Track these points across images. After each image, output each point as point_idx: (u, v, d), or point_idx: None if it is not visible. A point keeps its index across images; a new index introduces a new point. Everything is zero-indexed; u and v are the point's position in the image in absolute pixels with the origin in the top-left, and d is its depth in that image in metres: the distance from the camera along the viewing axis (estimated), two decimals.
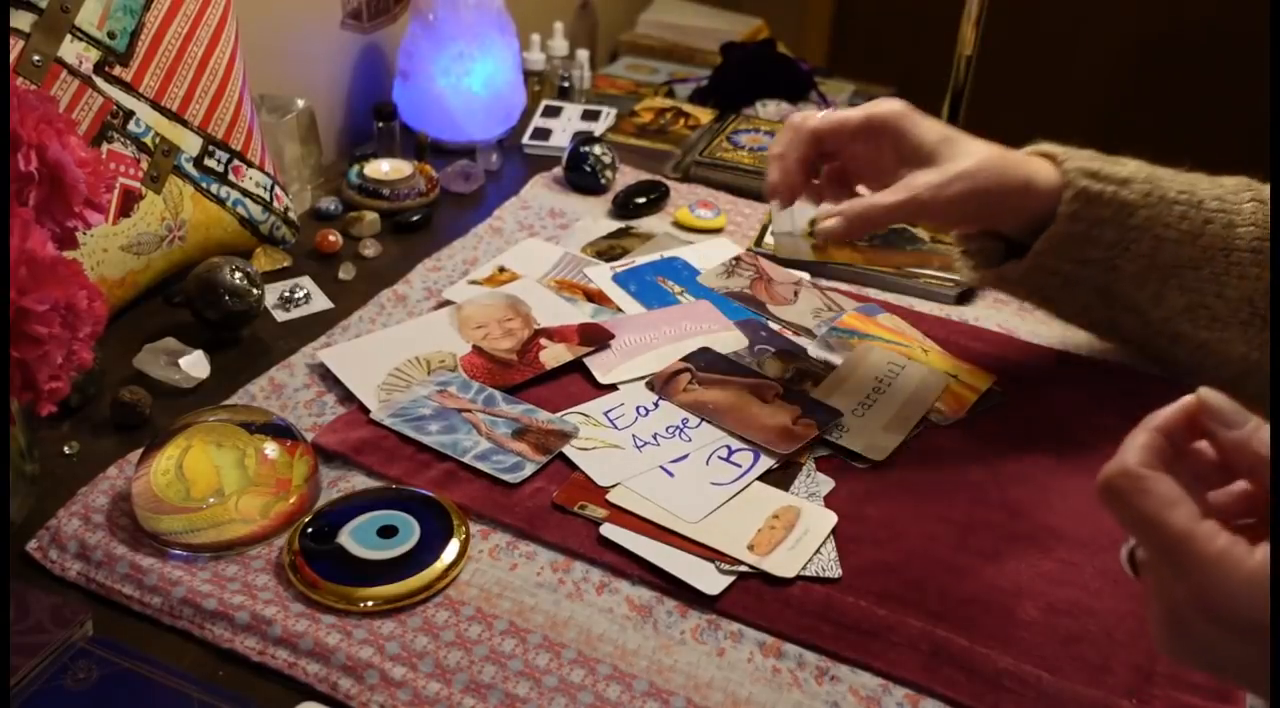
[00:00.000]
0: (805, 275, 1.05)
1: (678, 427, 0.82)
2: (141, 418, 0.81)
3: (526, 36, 1.45)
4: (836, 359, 0.92)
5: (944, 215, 0.83)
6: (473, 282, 1.01)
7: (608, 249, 1.09)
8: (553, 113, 1.39)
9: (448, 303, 0.97)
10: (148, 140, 0.91)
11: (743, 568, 0.70)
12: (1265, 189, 0.82)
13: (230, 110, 0.97)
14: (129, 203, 0.90)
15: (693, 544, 0.72)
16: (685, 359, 0.90)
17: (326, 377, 0.87)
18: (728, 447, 0.80)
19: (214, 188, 0.97)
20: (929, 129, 0.81)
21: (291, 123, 1.12)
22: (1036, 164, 0.82)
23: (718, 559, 0.71)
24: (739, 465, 0.79)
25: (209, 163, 0.96)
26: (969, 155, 0.79)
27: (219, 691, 0.61)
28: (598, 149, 1.20)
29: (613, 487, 0.76)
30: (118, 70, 0.88)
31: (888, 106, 0.82)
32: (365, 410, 0.83)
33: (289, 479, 0.73)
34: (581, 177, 1.20)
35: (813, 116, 0.83)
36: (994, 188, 0.79)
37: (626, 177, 1.24)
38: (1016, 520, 0.76)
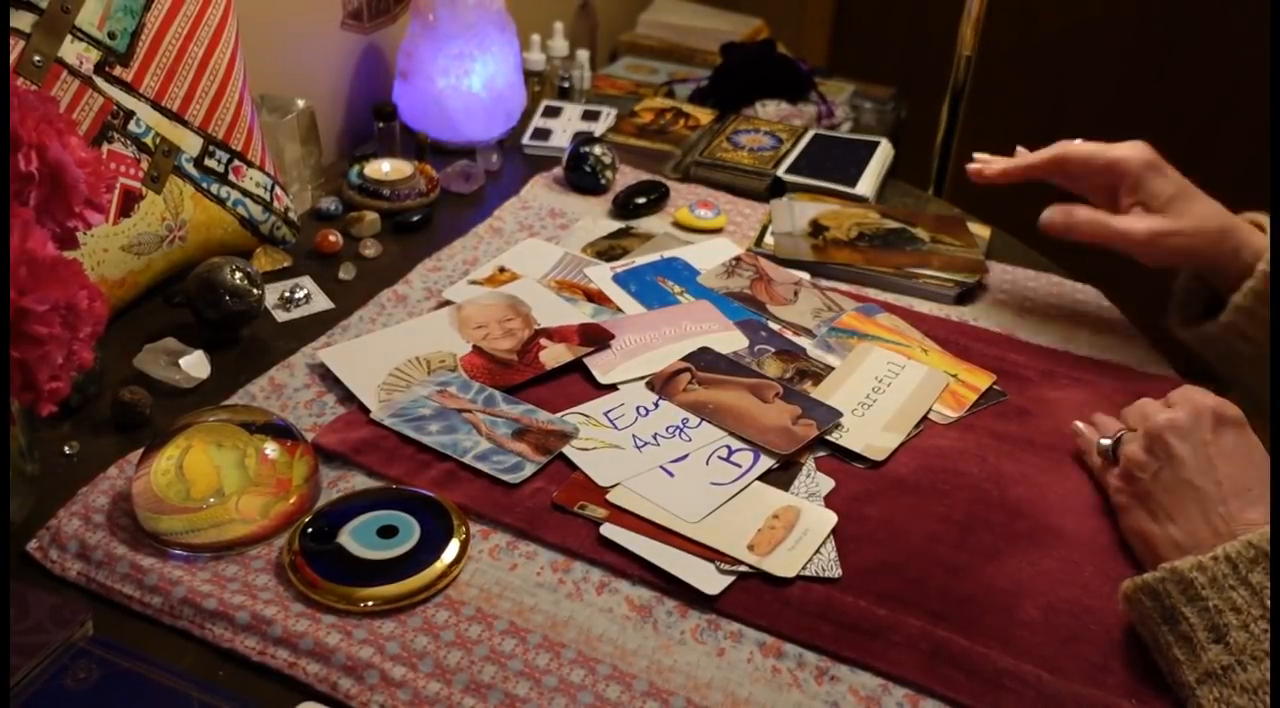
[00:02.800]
0: (805, 275, 1.05)
1: (678, 427, 0.82)
2: (141, 418, 0.81)
3: (526, 36, 1.46)
4: (836, 359, 0.92)
5: (1154, 259, 0.91)
6: (473, 282, 1.01)
7: (608, 249, 1.09)
8: (553, 113, 1.39)
9: (448, 303, 0.97)
10: (148, 140, 0.91)
11: (743, 568, 0.70)
12: None
13: (230, 110, 0.97)
14: (129, 203, 0.90)
15: (693, 544, 0.72)
16: (685, 359, 0.90)
17: (326, 377, 0.87)
18: (728, 447, 0.80)
19: (214, 188, 0.97)
20: (1167, 184, 0.89)
21: (291, 123, 1.12)
22: (1250, 235, 0.87)
23: (718, 559, 0.71)
24: (739, 465, 0.79)
25: (209, 163, 0.96)
26: (1192, 216, 0.88)
27: (219, 691, 0.61)
28: (598, 149, 1.20)
29: (613, 487, 0.76)
30: (118, 70, 0.88)
31: (1139, 155, 0.90)
32: (365, 410, 0.83)
33: (289, 479, 0.73)
34: (581, 177, 1.20)
35: (1072, 144, 0.93)
36: (1206, 251, 0.87)
37: (626, 177, 1.24)
38: (1016, 520, 0.76)
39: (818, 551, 0.72)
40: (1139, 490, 0.73)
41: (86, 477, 0.75)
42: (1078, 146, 0.93)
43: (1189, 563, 0.63)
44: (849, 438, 0.82)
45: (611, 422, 0.83)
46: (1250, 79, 2.09)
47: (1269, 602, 0.60)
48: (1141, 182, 0.89)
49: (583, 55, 1.53)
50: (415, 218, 1.13)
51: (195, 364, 0.87)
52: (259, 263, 1.02)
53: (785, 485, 0.77)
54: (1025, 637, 0.67)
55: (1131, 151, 0.90)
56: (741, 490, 0.76)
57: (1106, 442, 0.78)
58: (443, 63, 1.26)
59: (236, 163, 0.99)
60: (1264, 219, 0.90)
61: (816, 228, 1.12)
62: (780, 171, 1.23)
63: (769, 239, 1.11)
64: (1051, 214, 0.93)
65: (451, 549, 0.70)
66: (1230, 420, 0.71)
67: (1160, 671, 0.64)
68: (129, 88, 0.89)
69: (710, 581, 0.69)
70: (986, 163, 0.99)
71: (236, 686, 0.62)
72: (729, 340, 0.93)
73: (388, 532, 0.71)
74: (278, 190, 1.03)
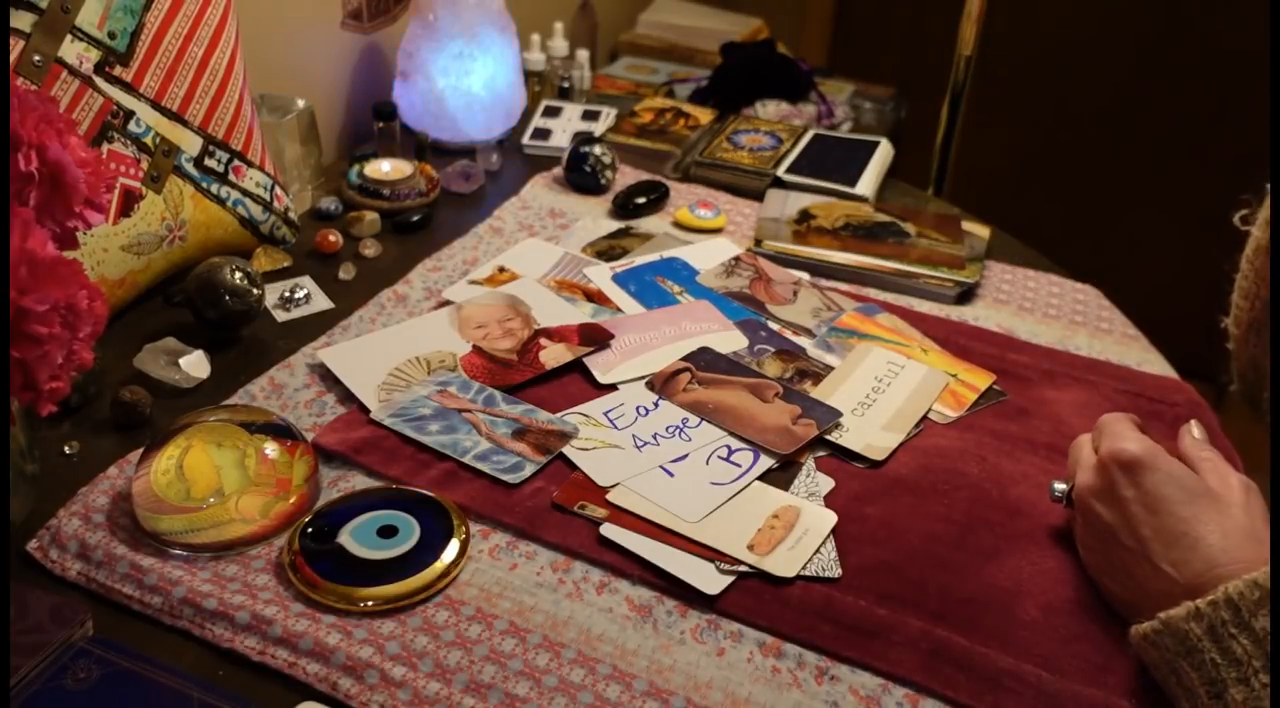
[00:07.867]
0: (805, 275, 1.05)
1: (678, 427, 0.82)
2: (141, 418, 0.81)
3: (526, 36, 1.45)
4: (836, 359, 0.92)
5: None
6: (473, 282, 1.01)
7: (608, 249, 1.09)
8: (553, 113, 1.39)
9: (448, 303, 0.97)
10: (148, 140, 0.91)
11: (743, 568, 0.70)
12: None
13: (230, 110, 0.97)
14: (129, 203, 0.90)
15: (693, 544, 0.72)
16: (685, 359, 0.90)
17: (326, 377, 0.87)
18: (728, 446, 0.80)
19: (214, 188, 0.97)
20: None
21: (291, 123, 1.12)
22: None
23: (718, 559, 0.71)
24: (739, 465, 0.79)
25: (209, 163, 0.96)
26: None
27: (219, 691, 0.61)
28: (598, 149, 1.20)
29: (613, 487, 0.76)
30: (118, 70, 0.88)
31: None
32: (365, 410, 0.83)
33: (289, 479, 0.73)
34: (581, 177, 1.20)
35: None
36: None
37: (626, 176, 1.24)
38: (1016, 520, 0.76)
39: (818, 550, 0.72)
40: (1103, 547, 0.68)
41: (86, 477, 0.75)
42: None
43: (1183, 612, 0.57)
44: (849, 438, 0.82)
45: (611, 422, 0.83)
46: (1250, 79, 2.09)
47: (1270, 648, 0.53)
48: None
49: (583, 55, 1.53)
50: (415, 218, 1.13)
51: (195, 364, 0.87)
52: (259, 263, 1.02)
53: (785, 485, 0.77)
54: (1025, 637, 0.67)
55: None
56: (741, 490, 0.76)
57: (1061, 487, 0.73)
58: (443, 63, 1.26)
59: (236, 163, 0.99)
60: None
61: (804, 216, 1.13)
62: (780, 171, 1.23)
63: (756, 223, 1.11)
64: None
65: (451, 549, 0.70)
66: (1136, 466, 0.64)
67: None
68: (129, 87, 0.89)
69: (710, 580, 0.69)
70: None
71: (236, 686, 0.62)
72: (729, 340, 0.93)
73: (388, 532, 0.71)
74: (277, 190, 1.03)
